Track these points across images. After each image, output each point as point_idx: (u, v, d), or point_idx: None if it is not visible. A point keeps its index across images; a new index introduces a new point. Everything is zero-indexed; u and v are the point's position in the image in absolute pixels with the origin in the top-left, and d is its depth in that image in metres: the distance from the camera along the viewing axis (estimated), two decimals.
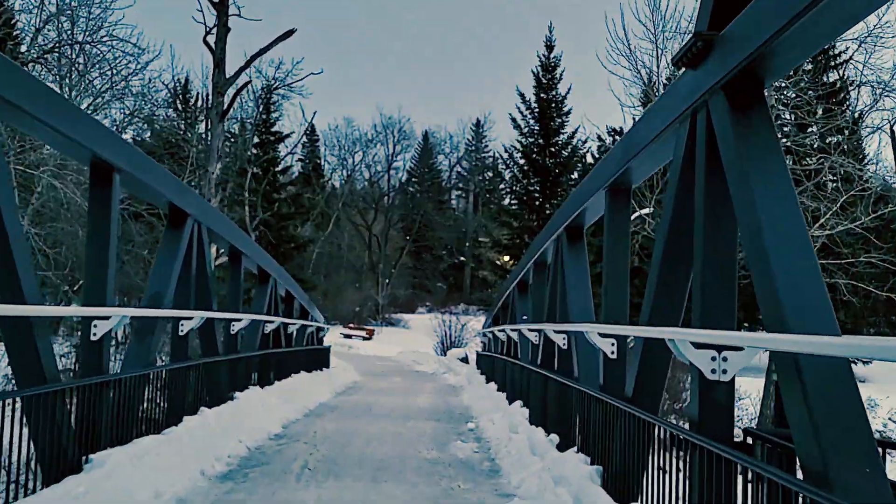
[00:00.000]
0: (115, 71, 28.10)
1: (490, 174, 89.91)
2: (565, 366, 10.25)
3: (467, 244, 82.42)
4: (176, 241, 9.51)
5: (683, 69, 5.46)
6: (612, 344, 7.51)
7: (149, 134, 32.53)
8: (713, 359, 4.71)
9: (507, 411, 12.97)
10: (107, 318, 7.27)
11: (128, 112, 26.62)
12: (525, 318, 14.65)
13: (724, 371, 4.79)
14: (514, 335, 15.13)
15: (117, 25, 27.45)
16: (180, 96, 31.59)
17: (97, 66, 27.98)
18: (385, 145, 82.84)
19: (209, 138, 22.73)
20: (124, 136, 30.93)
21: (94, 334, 7.31)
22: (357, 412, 14.67)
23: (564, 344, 10.19)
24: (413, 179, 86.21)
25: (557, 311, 10.53)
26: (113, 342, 10.87)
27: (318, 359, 22.13)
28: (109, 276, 7.56)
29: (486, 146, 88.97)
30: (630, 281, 8.00)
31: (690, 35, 5.20)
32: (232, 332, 12.80)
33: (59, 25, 27.17)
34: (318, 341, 23.71)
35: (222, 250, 17.43)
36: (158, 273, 9.23)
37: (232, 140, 32.16)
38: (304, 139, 77.37)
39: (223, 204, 27.45)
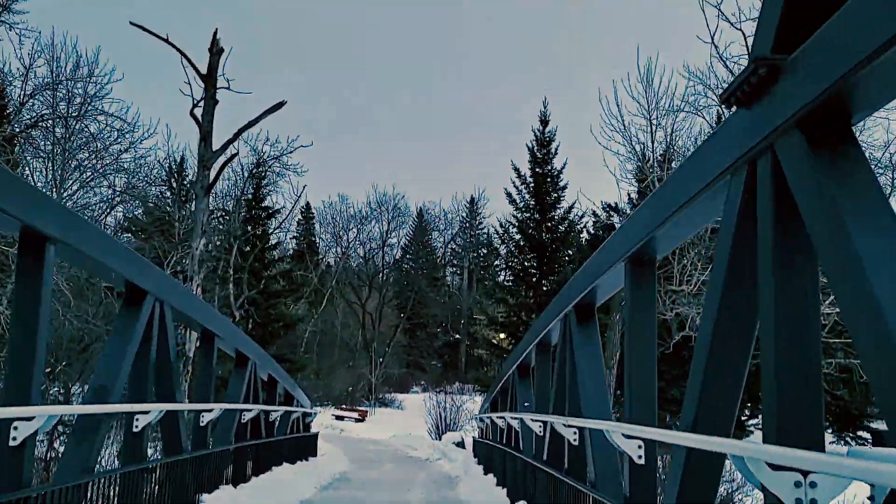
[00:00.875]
0: (103, 147, 27.33)
1: (484, 251, 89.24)
2: (577, 466, 8.96)
3: (462, 322, 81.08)
4: (131, 323, 8.33)
5: (735, 108, 4.39)
6: (640, 447, 6.27)
7: (140, 211, 31.67)
8: (797, 484, 3.54)
9: (489, 488, 11.62)
10: (29, 418, 6.01)
11: (119, 189, 25.73)
12: (527, 405, 13.37)
13: (814, 501, 3.53)
14: (516, 423, 13.82)
15: (105, 99, 26.79)
16: (175, 175, 30.82)
17: (85, 141, 27.22)
18: (379, 222, 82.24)
19: (193, 212, 21.72)
20: (115, 212, 30.04)
21: (14, 438, 6.09)
22: None
23: (576, 439, 8.93)
24: (407, 256, 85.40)
25: (567, 400, 9.29)
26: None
27: (303, 447, 20.65)
28: (37, 368, 6.36)
29: (481, 223, 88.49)
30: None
31: (747, 66, 4.15)
32: (202, 425, 11.49)
33: (53, 98, 26.52)
34: (304, 428, 22.25)
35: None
36: (108, 361, 8.01)
37: (225, 217, 31.31)
38: (299, 216, 77.16)
39: (212, 282, 26.36)
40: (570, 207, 30.88)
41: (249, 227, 27.76)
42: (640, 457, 6.29)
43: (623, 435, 6.22)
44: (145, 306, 8.54)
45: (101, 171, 26.47)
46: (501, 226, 31.14)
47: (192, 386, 20.86)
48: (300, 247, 75.23)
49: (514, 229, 31.00)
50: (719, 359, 4.63)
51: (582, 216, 31.48)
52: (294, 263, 64.53)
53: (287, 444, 18.40)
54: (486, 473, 18.03)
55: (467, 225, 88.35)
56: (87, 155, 27.08)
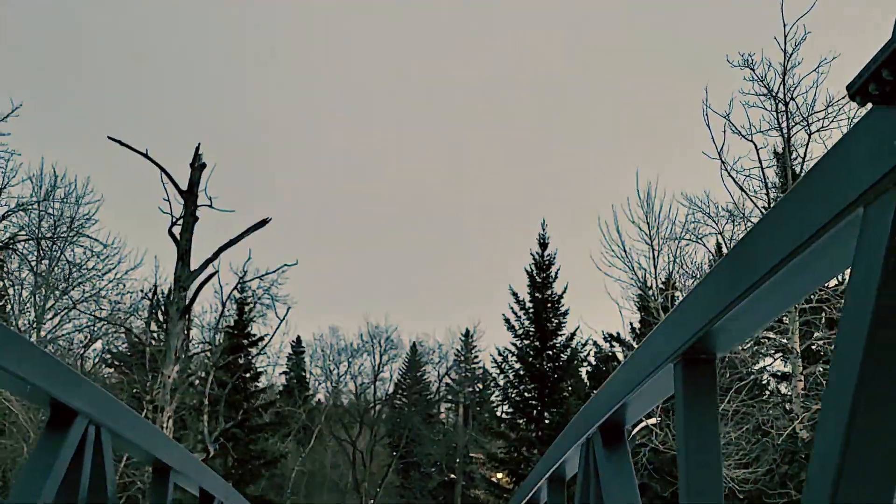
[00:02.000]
0: (86, 277, 26.10)
1: (480, 386, 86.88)
2: None
3: (458, 460, 77.89)
4: (54, 451, 6.69)
5: (868, 107, 3.03)
6: None
7: (123, 344, 30.10)
8: None
9: None
10: None
11: (102, 318, 24.31)
12: None
13: None
14: None
15: (91, 229, 25.83)
16: (162, 307, 29.47)
17: (69, 271, 26.05)
18: (371, 355, 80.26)
19: (167, 336, 20.17)
20: (94, 347, 28.42)
21: None
22: None
23: None
24: (400, 391, 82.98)
25: None
26: None
27: None
28: None
29: (476, 356, 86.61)
30: None
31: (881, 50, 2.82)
32: None
33: (38, 219, 25.54)
34: None
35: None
36: (19, 498, 6.32)
37: (206, 344, 29.80)
38: (290, 350, 75.20)
39: (191, 414, 24.50)
40: (573, 335, 29.41)
41: (230, 357, 26.11)
42: None
43: None
44: (74, 430, 6.92)
45: (82, 300, 25.19)
46: (500, 354, 29.62)
47: None
48: (289, 382, 73.04)
49: (514, 357, 29.40)
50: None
51: (585, 343, 30.05)
52: (283, 398, 62.28)
53: None
54: None
55: (462, 358, 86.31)
56: (69, 285, 25.90)
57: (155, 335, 29.29)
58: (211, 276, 20.50)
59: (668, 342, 5.42)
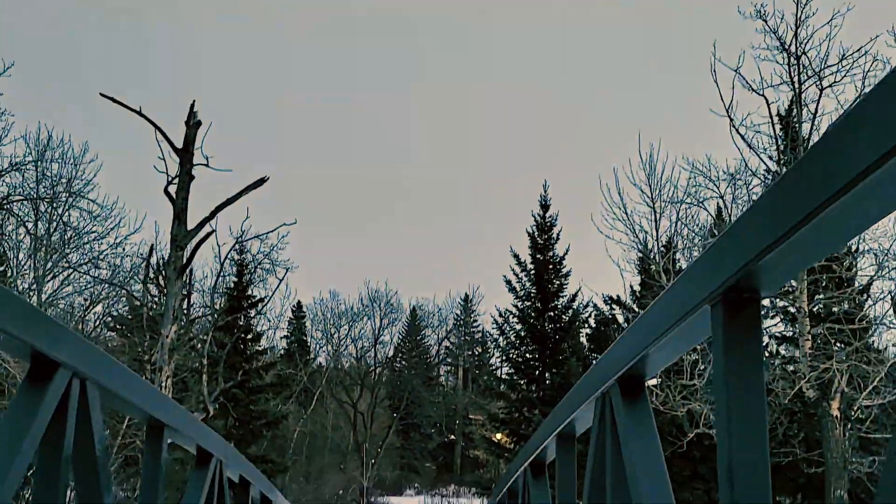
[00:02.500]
0: (86, 241, 25.67)
1: (479, 349, 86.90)
2: None
3: (457, 422, 78.14)
4: (31, 406, 6.28)
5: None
6: None
7: (125, 307, 29.72)
8: None
9: None
10: None
11: (103, 279, 23.89)
12: None
13: None
14: None
15: (84, 185, 25.34)
16: (159, 269, 29.07)
17: (69, 237, 25.63)
18: (372, 319, 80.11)
19: (165, 297, 19.75)
20: (96, 309, 28.04)
21: None
22: None
23: None
24: (400, 355, 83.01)
25: None
26: None
27: None
28: None
29: (476, 321, 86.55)
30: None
31: None
32: None
33: (38, 183, 25.07)
34: None
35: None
36: None
37: (206, 308, 29.45)
38: (290, 315, 75.03)
39: (192, 375, 24.16)
40: (574, 296, 29.00)
41: (229, 318, 25.74)
42: None
43: None
44: (56, 383, 6.51)
45: (81, 264, 24.77)
46: (500, 315, 29.24)
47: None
48: (290, 346, 72.94)
49: (514, 319, 29.03)
50: None
51: (586, 306, 29.68)
52: (285, 362, 62.13)
53: None
54: None
55: (461, 322, 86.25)
56: (67, 248, 25.49)
57: (156, 299, 29.00)
58: (208, 235, 20.01)
59: (704, 281, 4.94)
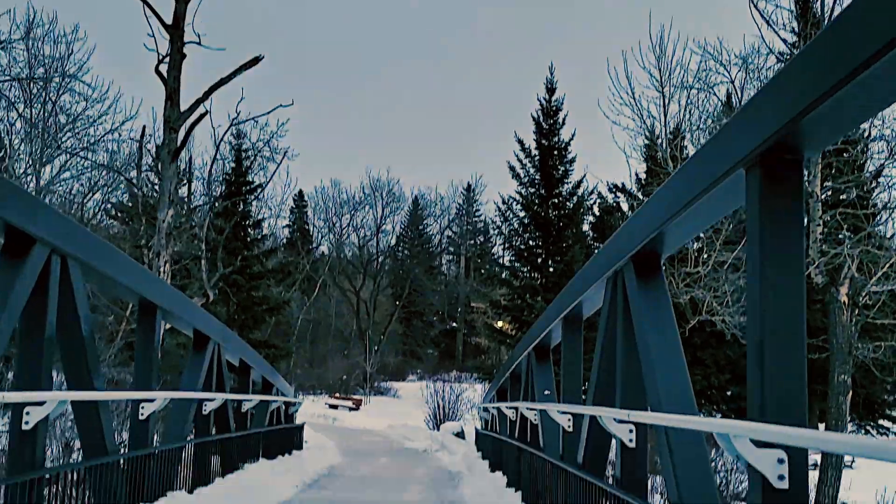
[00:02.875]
0: (82, 126, 24.94)
1: (481, 239, 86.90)
2: (633, 473, 6.60)
3: (459, 310, 78.87)
4: (7, 282, 5.89)
5: None
6: (781, 461, 3.87)
7: (125, 194, 29.18)
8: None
9: None
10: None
11: (100, 165, 23.28)
12: (548, 394, 10.98)
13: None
14: (532, 415, 11.44)
15: (78, 69, 24.39)
16: (153, 153, 28.35)
17: (64, 123, 24.90)
18: (374, 208, 79.76)
19: (160, 180, 19.22)
20: (95, 196, 27.56)
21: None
22: None
23: (632, 441, 6.55)
24: (403, 244, 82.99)
25: (617, 388, 6.89)
26: None
27: (286, 440, 18.28)
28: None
29: (478, 210, 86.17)
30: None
31: None
32: (141, 418, 9.08)
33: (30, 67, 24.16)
34: (286, 419, 19.85)
35: None
36: None
37: (205, 196, 28.92)
38: (292, 204, 74.67)
39: (194, 261, 23.85)
40: (579, 183, 28.36)
41: (227, 202, 25.29)
42: (781, 476, 3.89)
43: (753, 441, 3.84)
44: (33, 259, 6.10)
45: (77, 150, 24.08)
46: (504, 202, 28.70)
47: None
48: (293, 235, 72.90)
49: (518, 206, 28.50)
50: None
51: (592, 191, 29.08)
52: (286, 251, 62.15)
53: (265, 438, 16.01)
54: (492, 470, 15.68)
55: (464, 212, 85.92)
56: (62, 133, 24.78)
57: (156, 186, 28.42)
58: (202, 116, 19.30)
59: (737, 143, 4.42)
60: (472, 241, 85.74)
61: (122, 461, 8.33)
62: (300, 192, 77.04)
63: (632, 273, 6.48)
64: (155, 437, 10.20)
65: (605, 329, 7.35)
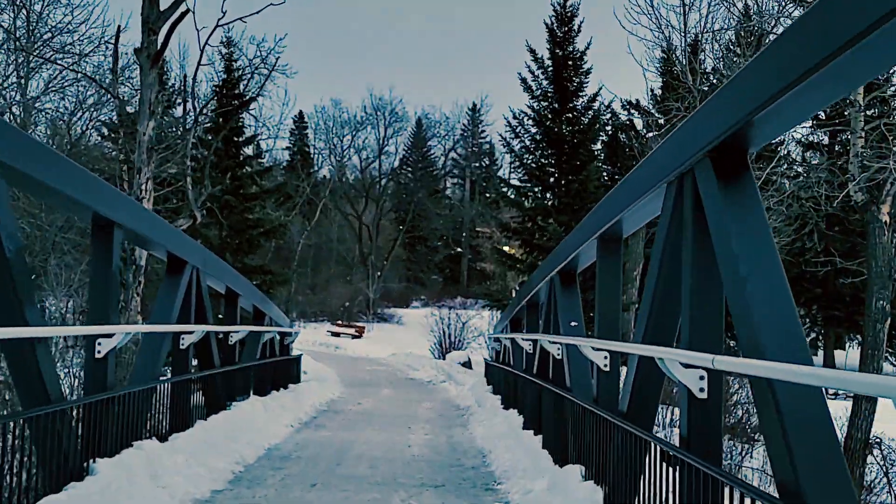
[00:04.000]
0: (52, 30, 23.10)
1: (487, 161, 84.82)
2: (703, 432, 5.16)
3: (464, 234, 77.44)
4: None
5: None
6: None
7: (113, 110, 27.36)
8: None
9: (556, 478, 7.87)
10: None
11: (81, 71, 21.44)
12: (574, 325, 9.50)
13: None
14: (556, 350, 10.00)
15: None
16: (141, 68, 26.28)
17: (50, 35, 23.08)
18: (376, 128, 77.71)
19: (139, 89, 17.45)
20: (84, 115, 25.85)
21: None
22: (316, 470, 9.54)
23: (703, 391, 5.10)
24: (406, 167, 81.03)
25: (685, 323, 5.40)
26: None
27: (281, 374, 16.99)
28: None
29: (483, 132, 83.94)
30: None
31: None
32: (98, 357, 7.65)
33: None
34: (281, 351, 18.53)
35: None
36: None
37: (204, 116, 27.12)
38: (292, 126, 72.57)
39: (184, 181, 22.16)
40: (595, 96, 26.39)
41: (215, 110, 23.50)
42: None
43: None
44: None
45: (62, 57, 22.23)
46: (515, 116, 26.83)
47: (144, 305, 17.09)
48: (293, 157, 71.07)
49: (530, 121, 26.62)
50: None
51: (609, 105, 27.14)
52: (286, 173, 60.35)
53: (257, 372, 14.69)
54: (505, 407, 14.37)
55: (469, 133, 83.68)
56: (42, 43, 22.96)
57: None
58: (183, 15, 17.43)
59: None
60: (478, 164, 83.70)
61: (72, 409, 6.95)
62: (300, 113, 74.97)
63: (709, 173, 4.89)
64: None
65: (663, 248, 5.81)
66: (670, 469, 5.00)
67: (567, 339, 8.94)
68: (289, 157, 71.09)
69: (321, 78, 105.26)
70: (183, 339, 10.19)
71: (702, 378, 5.07)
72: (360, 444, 11.77)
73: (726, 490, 4.03)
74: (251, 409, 12.70)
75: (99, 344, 7.66)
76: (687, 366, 5.06)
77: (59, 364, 14.57)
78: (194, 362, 11.30)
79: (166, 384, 9.33)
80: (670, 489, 4.99)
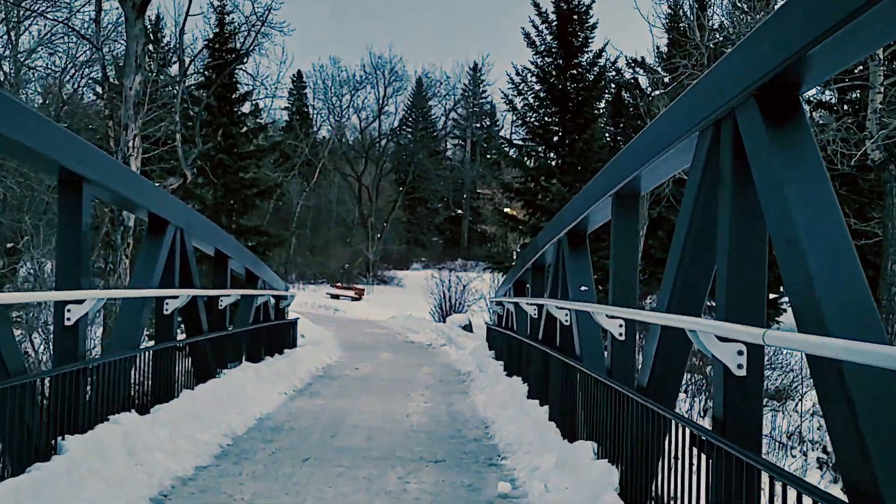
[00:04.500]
0: None
1: (488, 122, 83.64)
2: (741, 414, 4.54)
3: (465, 196, 76.59)
4: None
5: None
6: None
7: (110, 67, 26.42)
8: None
9: (565, 454, 7.29)
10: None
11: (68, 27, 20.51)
12: (584, 289, 8.85)
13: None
14: (563, 316, 9.37)
15: None
16: (126, 19, 25.34)
17: None
18: (375, 88, 76.46)
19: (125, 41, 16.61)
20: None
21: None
22: (309, 443, 8.98)
23: (742, 368, 4.47)
24: (406, 128, 79.88)
25: (721, 292, 4.76)
26: None
27: (275, 339, 16.40)
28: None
29: (485, 91, 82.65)
30: None
31: None
32: (67, 324, 7.03)
33: None
34: (276, 315, 17.93)
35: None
36: None
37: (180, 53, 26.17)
38: (290, 86, 71.34)
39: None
40: (600, 52, 25.37)
41: (210, 73, 22.62)
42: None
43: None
44: None
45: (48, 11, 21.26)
46: (518, 73, 25.87)
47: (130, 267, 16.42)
48: (291, 118, 70.02)
49: (533, 78, 25.65)
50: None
51: (615, 61, 26.06)
52: (283, 133, 59.34)
53: (250, 337, 14.09)
54: (508, 374, 13.78)
55: (470, 94, 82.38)
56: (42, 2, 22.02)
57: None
58: None
59: None
60: (479, 125, 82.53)
61: (37, 382, 6.34)
62: (298, 72, 73.75)
63: (754, 115, 4.19)
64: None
65: (693, 206, 5.13)
66: (700, 454, 4.40)
67: (577, 305, 8.31)
68: (287, 118, 70.04)
69: (319, 37, 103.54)
70: (167, 304, 9.55)
71: (740, 353, 4.46)
72: (357, 414, 11.21)
73: (766, 480, 3.46)
74: (243, 376, 12.10)
75: (68, 311, 7.03)
76: (723, 339, 4.41)
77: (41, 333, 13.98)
78: (182, 329, 10.68)
79: (147, 353, 8.71)
80: (698, 475, 4.41)
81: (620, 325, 6.98)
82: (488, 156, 78.46)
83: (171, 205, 9.76)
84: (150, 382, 8.78)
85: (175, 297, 9.53)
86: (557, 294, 9.86)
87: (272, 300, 17.16)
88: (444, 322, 30.12)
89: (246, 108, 25.23)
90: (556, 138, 25.56)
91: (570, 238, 9.33)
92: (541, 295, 12.19)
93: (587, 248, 9.29)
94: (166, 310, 9.57)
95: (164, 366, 9.10)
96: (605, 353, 7.80)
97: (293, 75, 72.78)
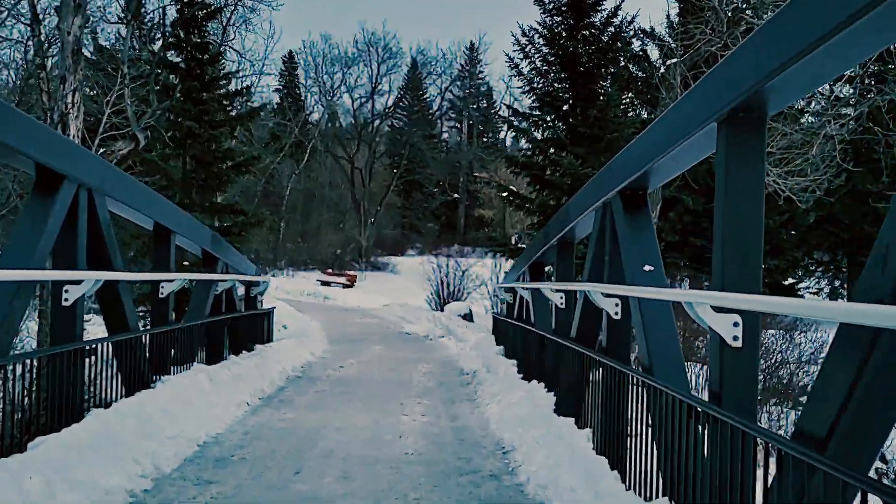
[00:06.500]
0: None
1: (485, 103, 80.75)
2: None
3: (461, 180, 73.81)
4: None
5: None
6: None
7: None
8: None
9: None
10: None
11: None
12: (650, 269, 6.21)
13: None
14: (612, 305, 6.75)
15: None
16: None
17: None
18: (368, 66, 73.50)
19: None
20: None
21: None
22: (261, 485, 6.37)
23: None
24: (400, 111, 76.95)
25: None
26: None
27: (244, 333, 13.72)
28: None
29: (482, 72, 79.73)
30: None
31: None
32: None
33: None
34: (247, 305, 15.23)
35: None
36: None
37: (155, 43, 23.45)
38: (281, 67, 68.38)
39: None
40: (616, 10, 22.58)
41: (176, 30, 19.88)
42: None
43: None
44: None
45: None
46: (525, 34, 23.13)
47: None
48: (282, 99, 67.18)
49: (541, 39, 22.90)
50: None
51: (631, 21, 23.33)
52: (277, 114, 56.45)
53: (206, 333, 11.43)
54: (525, 378, 11.13)
55: (466, 74, 79.46)
56: None
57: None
58: None
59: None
60: (475, 106, 79.56)
61: None
62: (290, 53, 70.82)
63: None
64: None
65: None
66: None
67: (642, 292, 5.68)
68: (278, 100, 67.25)
69: (310, 12, 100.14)
70: (66, 291, 6.90)
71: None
72: (333, 433, 8.60)
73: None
74: (190, 384, 9.44)
75: None
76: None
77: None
78: (91, 324, 8.02)
79: (25, 360, 6.06)
80: None
81: (736, 325, 4.34)
82: (485, 138, 75.86)
83: (73, 152, 7.08)
84: (32, 404, 6.14)
85: (77, 283, 6.86)
86: (603, 277, 7.20)
87: (240, 287, 14.47)
88: (442, 311, 27.50)
89: (222, 73, 22.51)
90: (566, 107, 22.96)
91: (624, 199, 6.67)
92: (568, 278, 9.53)
93: (649, 213, 6.64)
94: (66, 300, 6.92)
95: (57, 378, 6.45)
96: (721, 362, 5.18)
97: (284, 55, 69.94)
